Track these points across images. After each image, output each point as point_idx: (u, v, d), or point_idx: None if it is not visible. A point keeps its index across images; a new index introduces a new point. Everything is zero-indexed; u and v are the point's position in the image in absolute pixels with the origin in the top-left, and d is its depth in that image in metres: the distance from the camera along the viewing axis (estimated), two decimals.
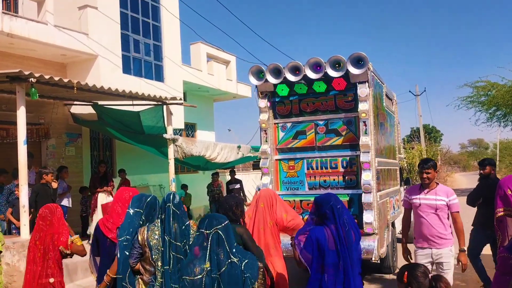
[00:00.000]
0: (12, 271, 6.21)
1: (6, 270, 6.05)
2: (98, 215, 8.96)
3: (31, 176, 8.23)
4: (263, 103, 6.16)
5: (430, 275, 2.52)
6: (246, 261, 2.76)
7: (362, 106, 5.62)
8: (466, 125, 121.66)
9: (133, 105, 9.57)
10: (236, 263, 2.70)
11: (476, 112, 20.58)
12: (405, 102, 77.82)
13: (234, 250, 2.76)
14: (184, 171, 14.70)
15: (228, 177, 13.67)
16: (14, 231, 7.46)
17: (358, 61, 5.57)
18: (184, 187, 12.76)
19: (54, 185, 7.56)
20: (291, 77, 5.84)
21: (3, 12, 8.25)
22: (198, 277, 2.62)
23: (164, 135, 9.67)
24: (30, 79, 6.51)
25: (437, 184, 4.46)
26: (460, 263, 4.33)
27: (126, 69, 10.89)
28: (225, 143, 12.43)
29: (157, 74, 11.98)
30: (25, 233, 6.63)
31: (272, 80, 5.97)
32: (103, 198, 9.19)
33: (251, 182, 16.74)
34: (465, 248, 4.41)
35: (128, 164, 11.31)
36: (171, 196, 3.35)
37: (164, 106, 9.69)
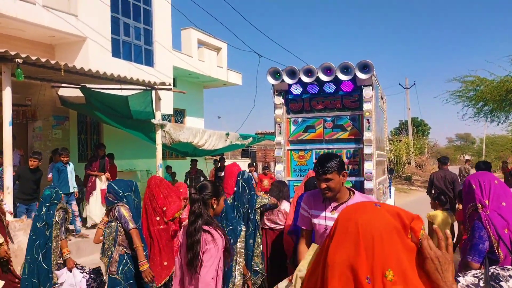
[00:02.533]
0: None
1: None
2: (97, 199, 8.91)
3: (14, 157, 8.17)
4: (278, 100, 6.98)
5: None
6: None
7: (366, 106, 6.47)
8: (454, 119, 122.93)
9: (121, 89, 9.50)
10: None
11: (464, 107, 20.81)
12: (394, 95, 78.19)
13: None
14: (172, 157, 14.69)
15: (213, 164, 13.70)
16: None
17: (364, 67, 6.39)
18: (168, 168, 12.62)
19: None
20: (305, 79, 6.67)
21: None
22: None
23: (152, 121, 9.63)
24: (17, 60, 6.42)
25: (352, 192, 2.95)
26: None
27: (116, 53, 10.78)
28: (213, 130, 12.42)
29: (147, 59, 11.88)
30: (8, 215, 6.59)
31: (288, 80, 6.77)
32: (102, 183, 9.10)
33: None
34: None
35: (116, 149, 11.26)
36: (241, 173, 4.47)
37: (153, 91, 9.63)
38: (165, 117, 12.42)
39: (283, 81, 6.81)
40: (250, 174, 5.50)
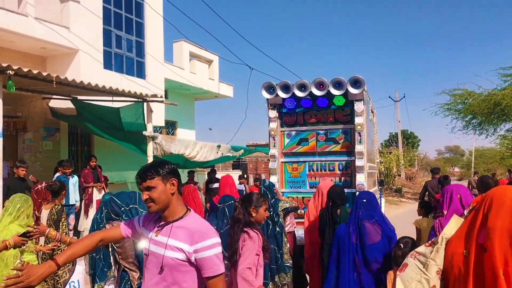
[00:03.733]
0: None
1: None
2: (94, 211, 8.80)
3: (3, 169, 8.11)
4: (273, 113, 7.18)
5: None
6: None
7: (358, 120, 6.67)
8: (443, 132, 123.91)
9: (113, 101, 9.51)
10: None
11: (453, 120, 21.10)
12: (384, 107, 79.05)
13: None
14: None
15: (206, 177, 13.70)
16: None
17: (356, 82, 6.59)
18: None
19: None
20: (298, 93, 6.88)
21: None
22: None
23: (144, 132, 9.63)
24: (8, 72, 6.42)
25: (188, 210, 2.32)
26: None
27: (107, 65, 10.81)
28: (205, 142, 12.45)
29: (139, 71, 11.93)
30: None
31: (282, 94, 7.00)
32: (96, 194, 8.95)
33: None
34: None
35: (106, 160, 11.23)
36: (262, 181, 5.04)
37: (145, 103, 9.65)
38: (156, 129, 12.43)
39: (277, 95, 7.02)
40: (271, 183, 5.82)
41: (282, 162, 7.25)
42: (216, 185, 12.75)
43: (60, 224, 4.94)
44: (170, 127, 15.59)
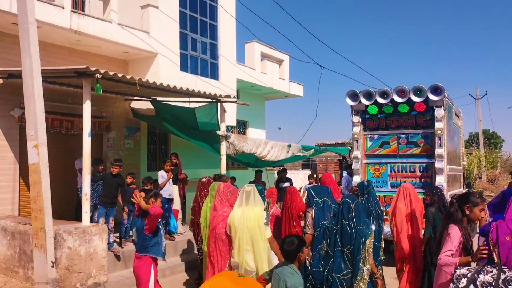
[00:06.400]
0: (73, 255, 6.59)
1: (68, 254, 6.47)
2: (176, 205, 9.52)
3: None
4: (356, 119, 7.90)
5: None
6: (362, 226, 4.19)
7: (438, 125, 7.23)
8: None
9: (189, 101, 9.88)
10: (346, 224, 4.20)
11: None
12: (464, 106, 74.36)
13: (349, 215, 4.27)
14: (234, 167, 14.96)
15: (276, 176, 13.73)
16: None
17: (436, 90, 7.13)
18: (233, 179, 12.69)
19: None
20: (381, 100, 7.58)
21: (72, 11, 8.78)
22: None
23: (217, 132, 9.91)
24: (96, 75, 6.87)
25: None
26: None
27: (183, 67, 11.24)
28: (275, 141, 12.52)
29: (212, 72, 12.26)
30: (86, 219, 7.00)
31: (365, 102, 7.72)
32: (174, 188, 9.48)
33: (299, 181, 16.73)
34: None
35: (182, 158, 11.66)
36: (367, 183, 5.37)
37: (218, 104, 9.92)
38: (228, 128, 12.72)
39: (360, 102, 7.72)
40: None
41: (364, 163, 7.89)
42: (286, 184, 12.76)
43: None
44: (241, 126, 15.87)
